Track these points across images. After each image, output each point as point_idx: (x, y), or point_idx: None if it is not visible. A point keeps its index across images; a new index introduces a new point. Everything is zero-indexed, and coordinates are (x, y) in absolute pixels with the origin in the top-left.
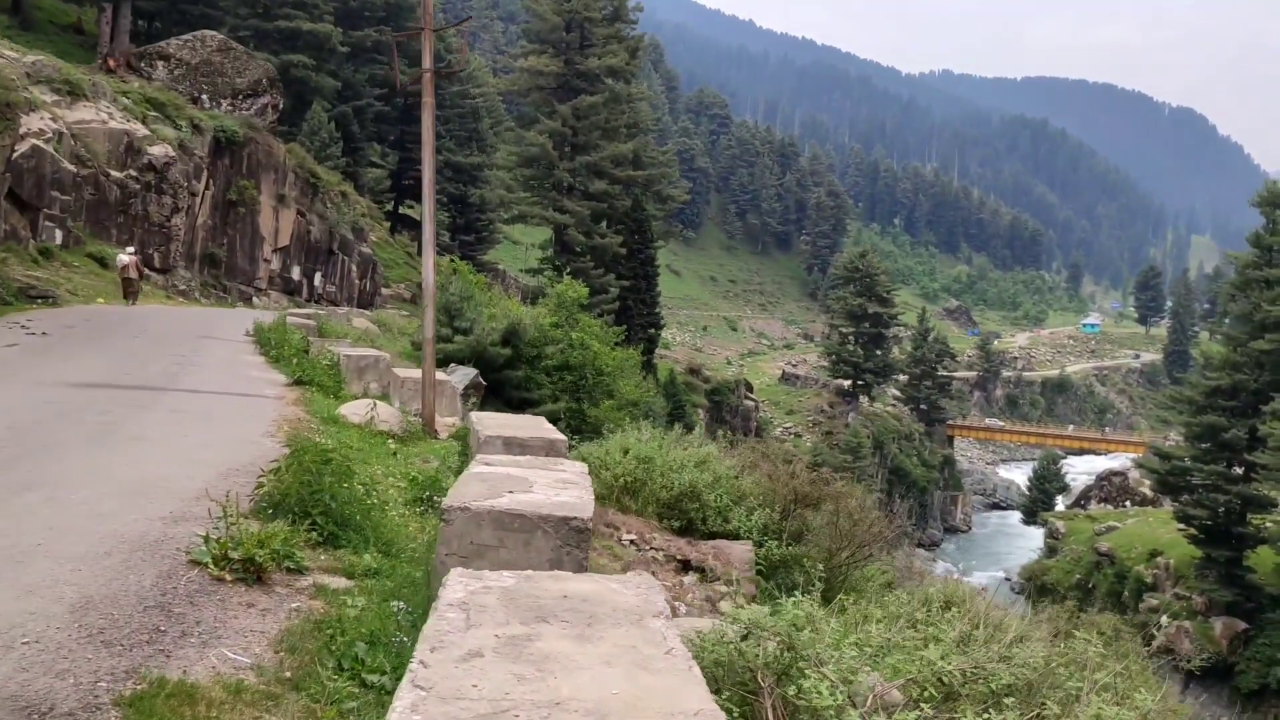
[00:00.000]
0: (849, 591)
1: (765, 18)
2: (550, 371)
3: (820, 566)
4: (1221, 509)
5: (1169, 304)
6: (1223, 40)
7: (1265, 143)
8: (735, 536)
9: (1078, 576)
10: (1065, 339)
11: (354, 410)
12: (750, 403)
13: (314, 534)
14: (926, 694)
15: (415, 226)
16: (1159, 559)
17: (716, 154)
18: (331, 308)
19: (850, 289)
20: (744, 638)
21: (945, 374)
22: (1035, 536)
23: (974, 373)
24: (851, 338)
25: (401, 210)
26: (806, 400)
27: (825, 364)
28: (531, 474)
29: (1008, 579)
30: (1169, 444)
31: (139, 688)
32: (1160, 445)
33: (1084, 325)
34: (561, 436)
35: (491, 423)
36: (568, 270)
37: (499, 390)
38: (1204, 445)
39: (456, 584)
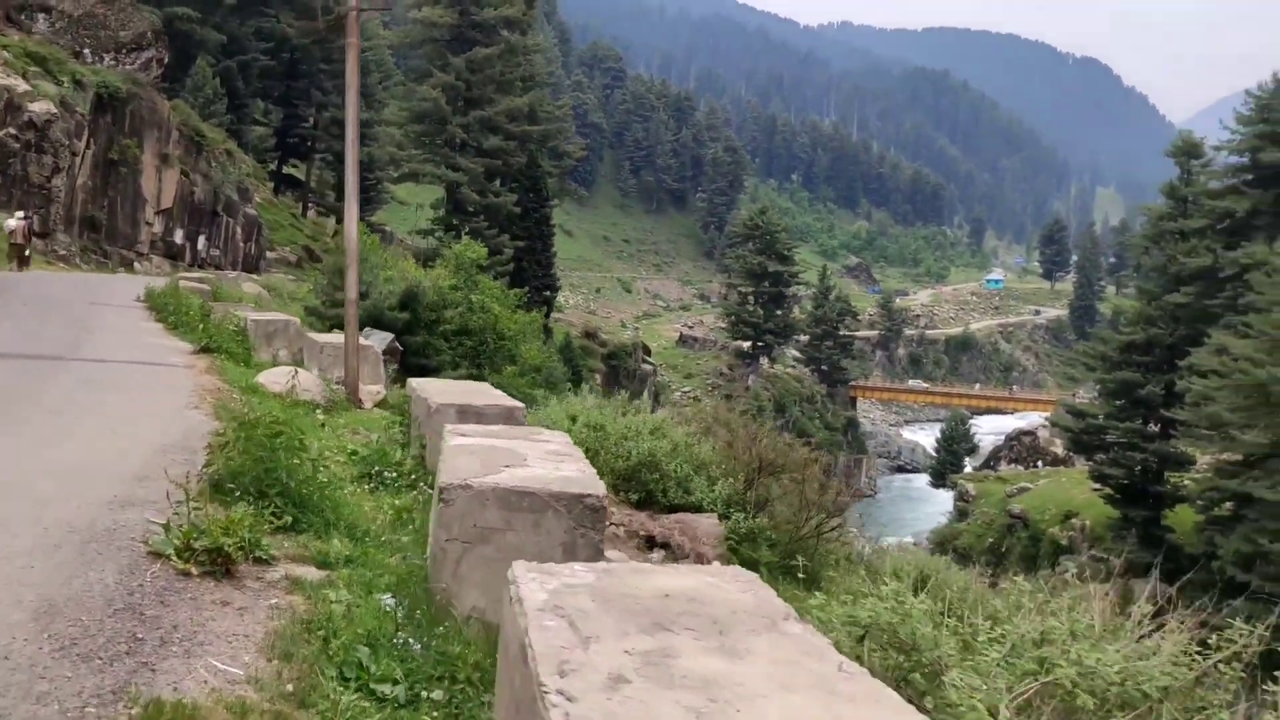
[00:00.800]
0: (819, 564)
1: None
2: (449, 336)
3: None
4: (1138, 467)
5: (1074, 258)
6: None
7: (1169, 93)
8: (698, 509)
9: (990, 540)
10: (969, 295)
11: (273, 379)
12: (648, 366)
13: (273, 518)
14: (1079, 700)
15: (299, 186)
16: (1074, 520)
17: (611, 109)
18: (218, 272)
19: (749, 247)
20: (860, 639)
21: (847, 334)
22: (944, 500)
23: (876, 332)
24: (751, 298)
25: (285, 170)
26: (705, 363)
27: (724, 325)
28: (516, 445)
29: (916, 544)
30: (1080, 401)
31: (133, 712)
32: (1072, 403)
33: (988, 281)
34: (518, 403)
35: (436, 390)
36: (466, 230)
37: (396, 354)
38: (1119, 402)
39: (530, 581)
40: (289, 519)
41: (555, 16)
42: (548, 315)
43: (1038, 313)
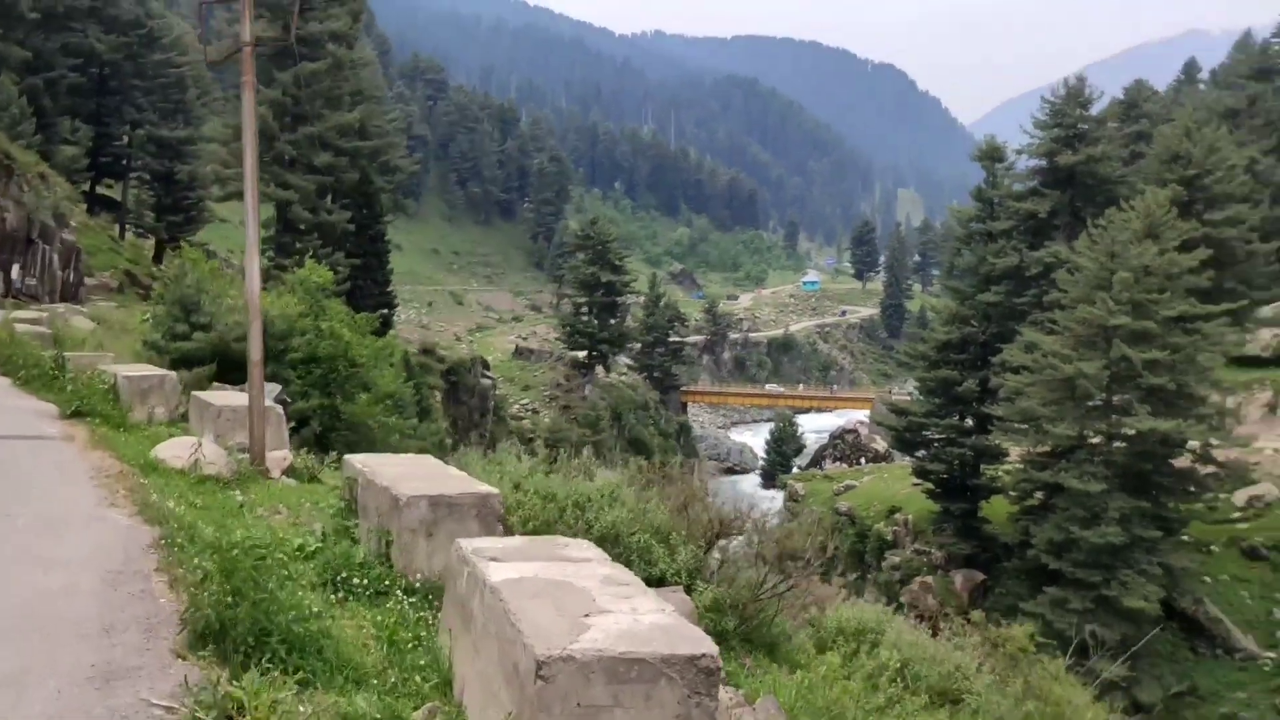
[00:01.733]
0: (777, 630)
1: None
2: (296, 365)
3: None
4: (956, 462)
5: (883, 258)
6: None
7: (960, 98)
8: (661, 580)
9: (820, 538)
10: (787, 298)
11: (173, 452)
12: (487, 380)
13: (283, 675)
14: None
15: (115, 207)
16: (898, 515)
17: (434, 121)
18: (46, 307)
19: (582, 258)
20: None
21: (677, 340)
22: (775, 500)
23: (702, 337)
24: (585, 308)
25: (99, 190)
26: (542, 374)
27: (559, 336)
28: (566, 572)
29: (749, 545)
30: (899, 398)
31: None
32: (892, 400)
33: (804, 283)
34: (490, 489)
35: (389, 473)
36: (300, 249)
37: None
38: (938, 400)
39: None
40: (295, 669)
41: (374, 28)
42: (385, 334)
43: (844, 313)
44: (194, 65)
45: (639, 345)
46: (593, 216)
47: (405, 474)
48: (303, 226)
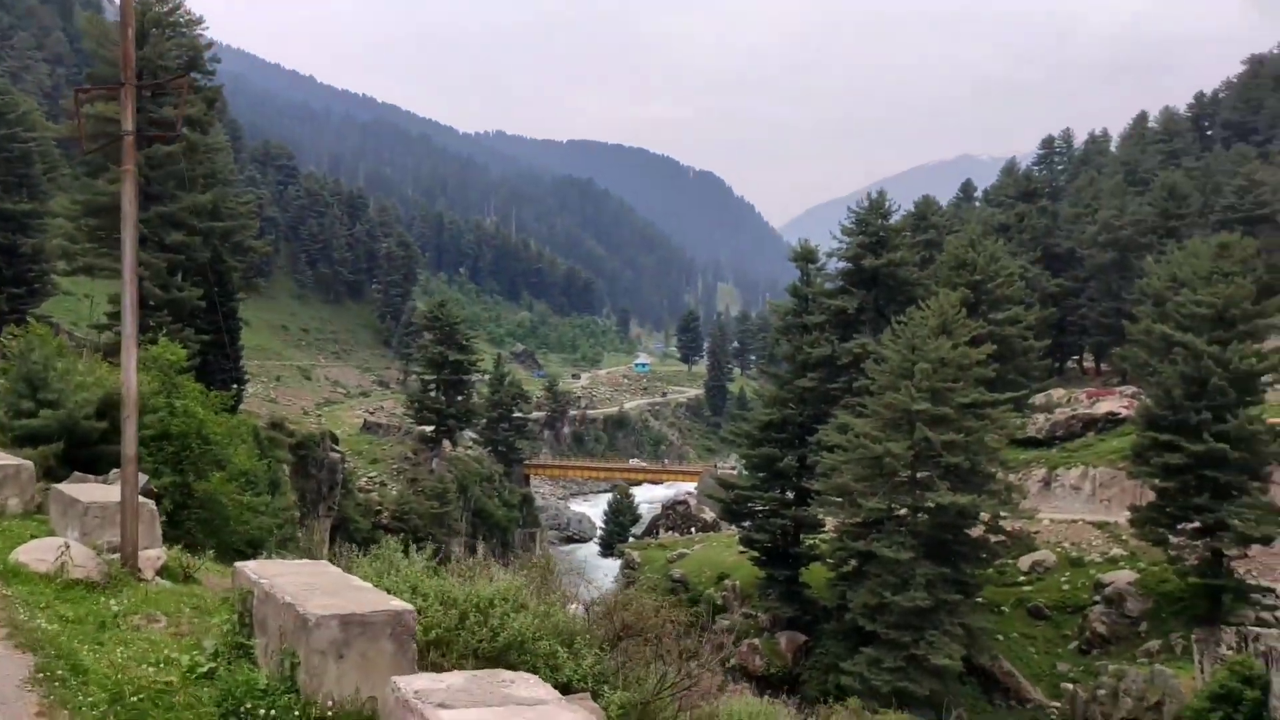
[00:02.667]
0: None
1: (325, 74)
2: (148, 442)
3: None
4: (779, 532)
5: (706, 344)
6: (732, 114)
7: (769, 203)
8: (567, 687)
9: (657, 603)
10: (621, 378)
11: (36, 555)
12: (336, 454)
13: None
14: None
15: None
16: (727, 581)
17: (285, 204)
18: None
19: (430, 337)
20: None
21: (520, 415)
22: (613, 568)
23: (543, 413)
24: (433, 384)
25: None
26: (390, 448)
27: (407, 411)
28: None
29: (587, 611)
30: (724, 471)
31: None
32: (721, 474)
33: (636, 365)
34: (404, 606)
35: (285, 583)
36: (162, 331)
37: (92, 467)
38: (761, 474)
39: None
40: None
41: (226, 115)
42: (236, 410)
43: (664, 395)
44: (41, 141)
45: (484, 420)
46: (440, 298)
47: (307, 586)
48: (153, 303)
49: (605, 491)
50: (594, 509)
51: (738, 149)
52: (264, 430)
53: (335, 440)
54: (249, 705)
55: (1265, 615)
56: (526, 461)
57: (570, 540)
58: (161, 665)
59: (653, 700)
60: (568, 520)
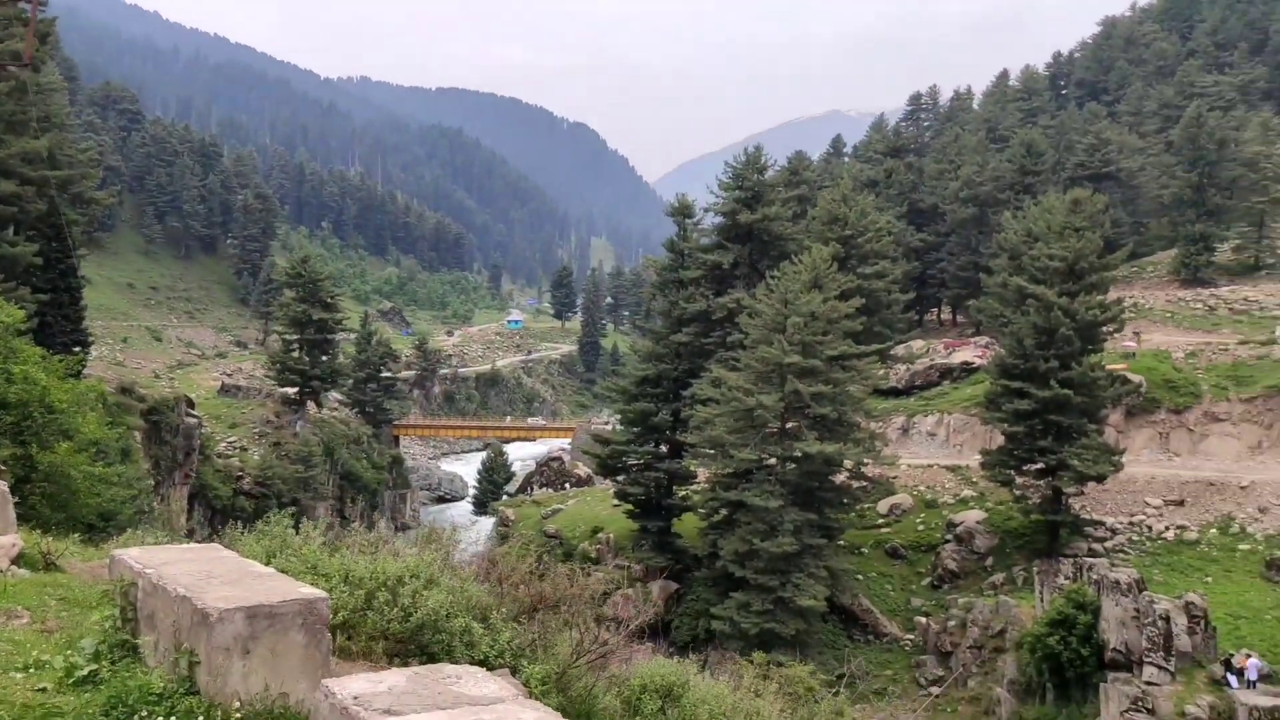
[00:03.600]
0: (592, 696)
1: (171, 9)
2: None
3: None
4: (653, 485)
5: (580, 300)
6: (611, 67)
7: (644, 158)
8: (485, 663)
9: (530, 560)
10: (493, 335)
11: None
12: (192, 419)
13: None
14: None
15: None
16: (601, 535)
17: (129, 152)
18: None
19: (291, 295)
20: None
21: (389, 375)
22: (486, 526)
23: (413, 372)
24: (295, 345)
25: None
26: (250, 411)
27: (268, 372)
28: None
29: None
30: (598, 427)
31: None
32: (596, 430)
33: (509, 322)
34: (316, 592)
35: (175, 573)
36: None
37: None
38: (636, 429)
39: None
40: None
41: (59, 52)
42: (79, 374)
43: (529, 354)
44: None
45: (351, 381)
46: (303, 253)
47: (202, 575)
48: None
49: (478, 450)
50: (466, 468)
51: (612, 102)
52: (112, 396)
53: (191, 404)
54: (144, 713)
55: (1096, 546)
56: (396, 422)
57: (442, 500)
58: (32, 670)
59: (568, 669)
60: (439, 480)
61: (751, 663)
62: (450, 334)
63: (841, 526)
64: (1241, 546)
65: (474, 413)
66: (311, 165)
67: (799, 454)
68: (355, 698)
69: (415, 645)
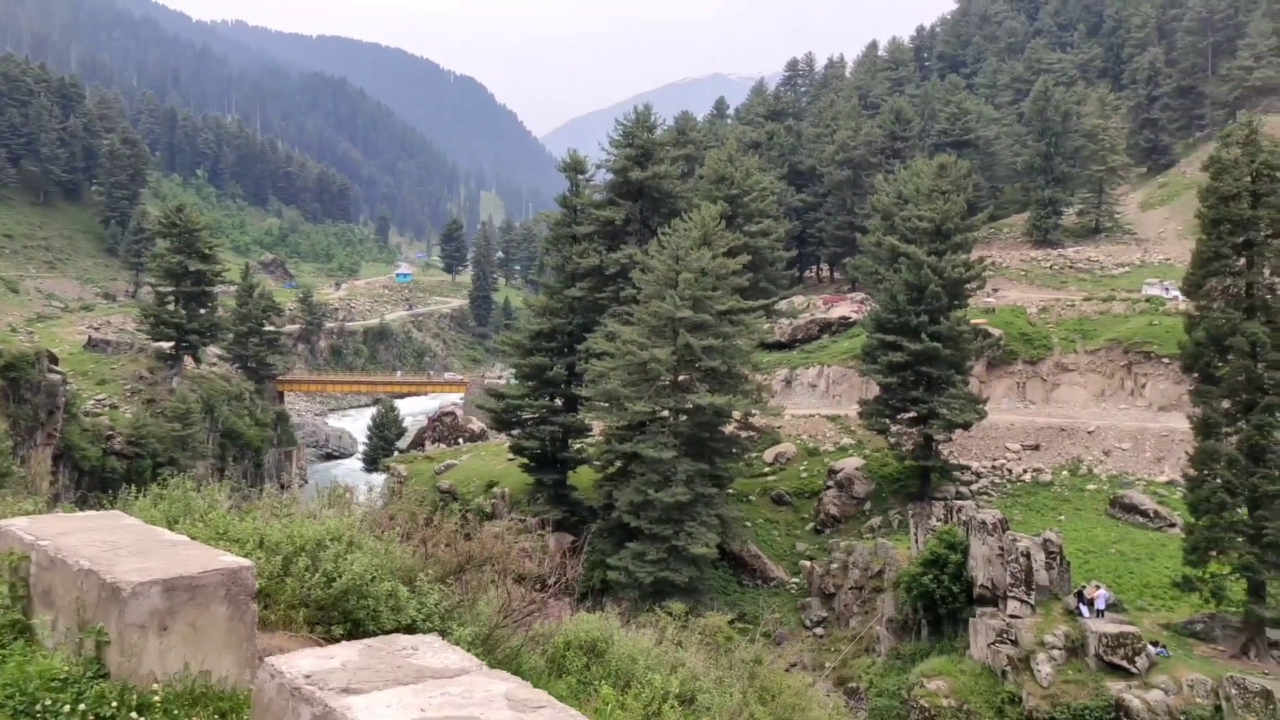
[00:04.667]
0: (520, 651)
1: None
2: None
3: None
4: (548, 438)
5: (470, 254)
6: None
7: (532, 113)
8: (411, 628)
9: (424, 516)
10: (381, 289)
11: None
12: (55, 376)
13: None
14: None
15: None
16: (496, 489)
17: None
18: None
19: (165, 245)
20: None
21: (272, 329)
22: (377, 482)
23: (297, 326)
24: (171, 297)
25: None
26: (121, 367)
27: (140, 326)
28: (457, 706)
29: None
30: (493, 380)
31: None
32: (492, 385)
33: (398, 275)
34: (239, 560)
35: (75, 543)
36: None
37: None
38: (531, 383)
39: None
40: None
41: None
42: None
43: (410, 308)
44: None
45: (231, 335)
46: (177, 203)
47: (106, 546)
48: None
49: (367, 406)
50: (355, 424)
51: (499, 55)
52: None
53: (54, 360)
54: (47, 701)
55: (964, 490)
56: (280, 377)
57: (330, 457)
58: None
59: (494, 630)
60: (326, 437)
61: (670, 614)
62: (337, 287)
63: (731, 475)
64: (1089, 487)
65: (362, 367)
66: (184, 111)
67: (690, 406)
68: (307, 676)
69: (339, 612)
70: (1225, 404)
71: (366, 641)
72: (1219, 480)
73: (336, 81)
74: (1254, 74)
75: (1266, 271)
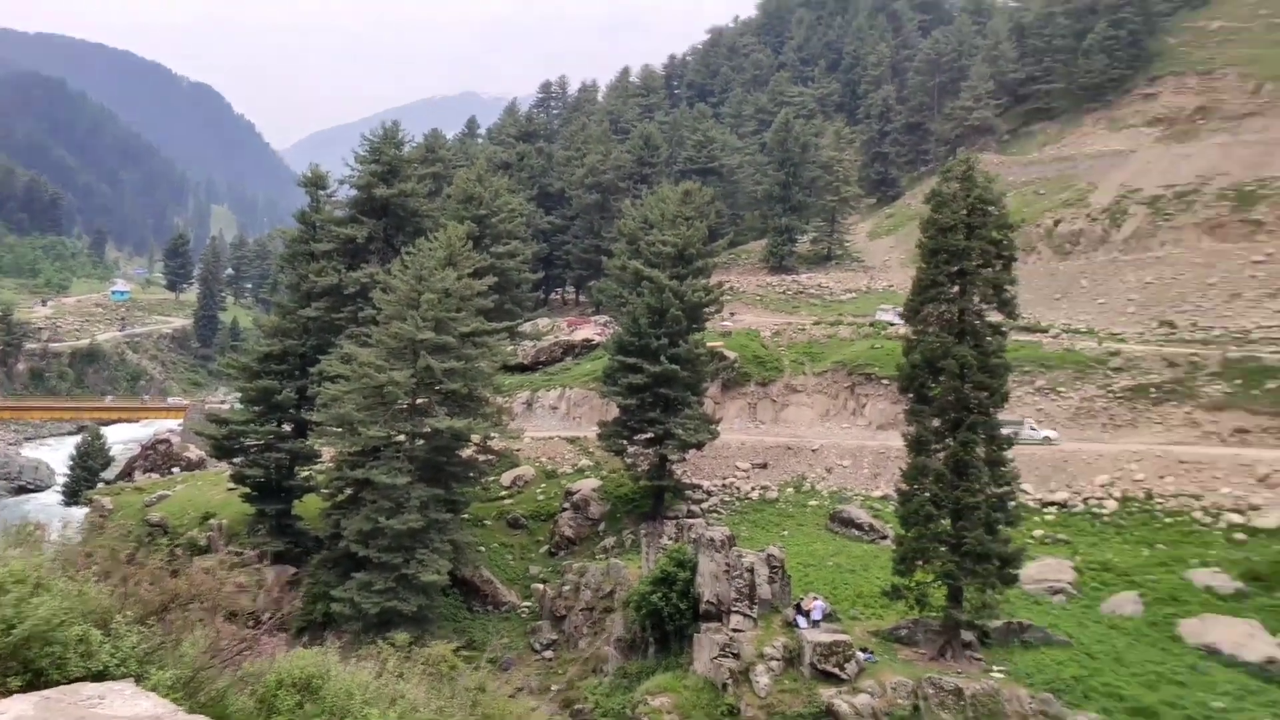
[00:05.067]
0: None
1: None
2: None
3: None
4: (274, 466)
5: (197, 270)
6: (238, 24)
7: (271, 125)
8: (102, 674)
9: (128, 552)
10: (94, 307)
11: None
12: None
13: None
14: None
15: None
16: (212, 521)
17: None
18: None
19: None
20: None
21: None
22: (78, 517)
23: None
24: None
25: None
26: None
27: None
28: None
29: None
30: (214, 406)
31: None
32: (212, 410)
33: (113, 293)
34: None
35: None
36: None
37: None
38: (258, 408)
39: None
40: None
41: None
42: None
43: (124, 327)
44: None
45: None
46: None
47: None
48: None
49: (71, 434)
50: (55, 454)
51: (239, 65)
52: None
53: None
54: None
55: (695, 508)
56: None
57: (23, 490)
58: None
59: (200, 671)
60: (20, 468)
61: (393, 645)
62: (44, 304)
63: (467, 500)
64: (811, 503)
65: (67, 392)
66: None
67: (429, 429)
68: None
69: (17, 662)
70: (936, 422)
71: (45, 693)
72: (927, 494)
73: (54, 82)
74: (973, 114)
75: (976, 298)
